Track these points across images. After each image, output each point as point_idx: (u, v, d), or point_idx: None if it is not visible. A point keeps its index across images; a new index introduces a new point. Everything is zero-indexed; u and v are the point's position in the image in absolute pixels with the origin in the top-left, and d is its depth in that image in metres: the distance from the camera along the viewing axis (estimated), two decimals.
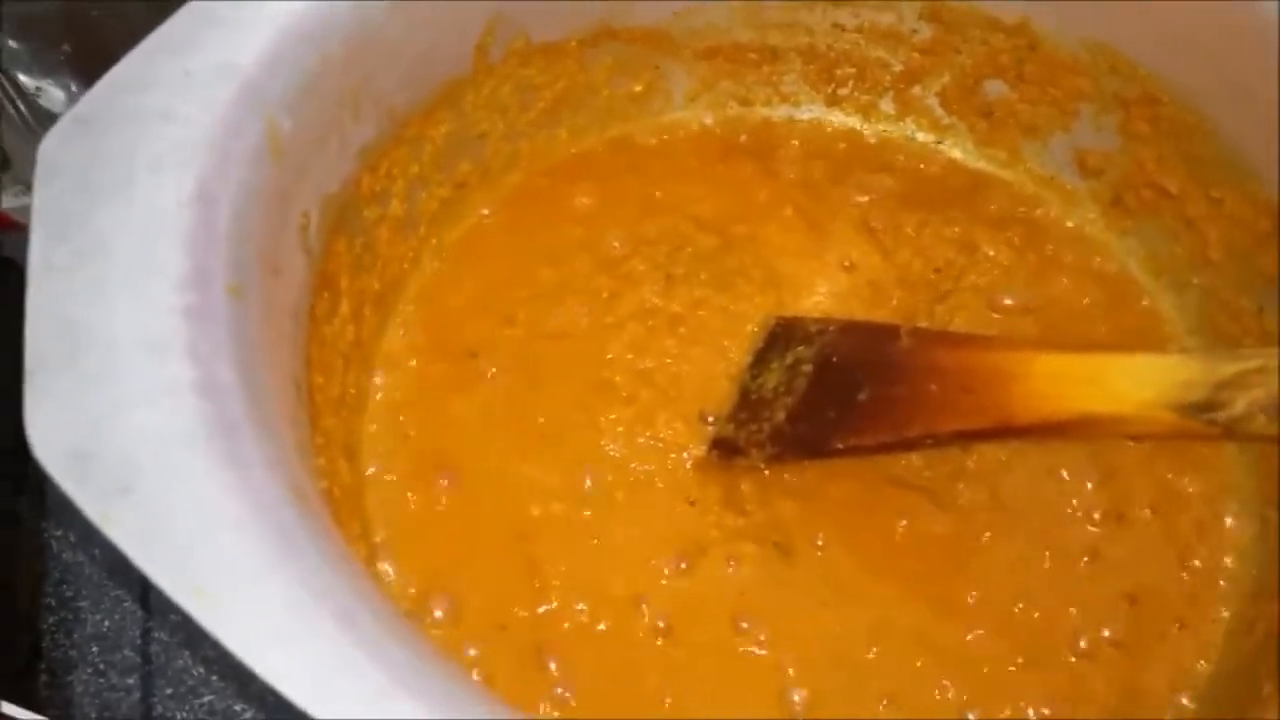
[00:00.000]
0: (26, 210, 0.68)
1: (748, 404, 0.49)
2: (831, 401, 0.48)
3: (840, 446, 0.47)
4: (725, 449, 0.48)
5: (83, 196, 0.33)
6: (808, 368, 0.49)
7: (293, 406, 0.37)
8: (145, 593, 0.48)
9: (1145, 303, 0.54)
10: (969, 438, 0.46)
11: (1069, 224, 0.56)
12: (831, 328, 0.50)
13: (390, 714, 0.27)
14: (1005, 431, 0.44)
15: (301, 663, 0.27)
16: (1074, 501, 0.48)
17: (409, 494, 0.47)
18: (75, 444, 0.29)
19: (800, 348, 0.49)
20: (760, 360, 0.50)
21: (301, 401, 0.39)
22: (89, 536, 0.49)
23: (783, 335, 0.51)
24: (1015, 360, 0.45)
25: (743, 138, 0.59)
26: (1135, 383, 0.42)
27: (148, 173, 0.34)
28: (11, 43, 0.58)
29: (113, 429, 0.30)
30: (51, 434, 0.29)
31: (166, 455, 0.29)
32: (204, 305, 0.32)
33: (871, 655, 0.44)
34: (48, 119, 0.62)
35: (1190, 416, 0.40)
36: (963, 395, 0.45)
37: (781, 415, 0.48)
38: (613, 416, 0.49)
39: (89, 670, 0.47)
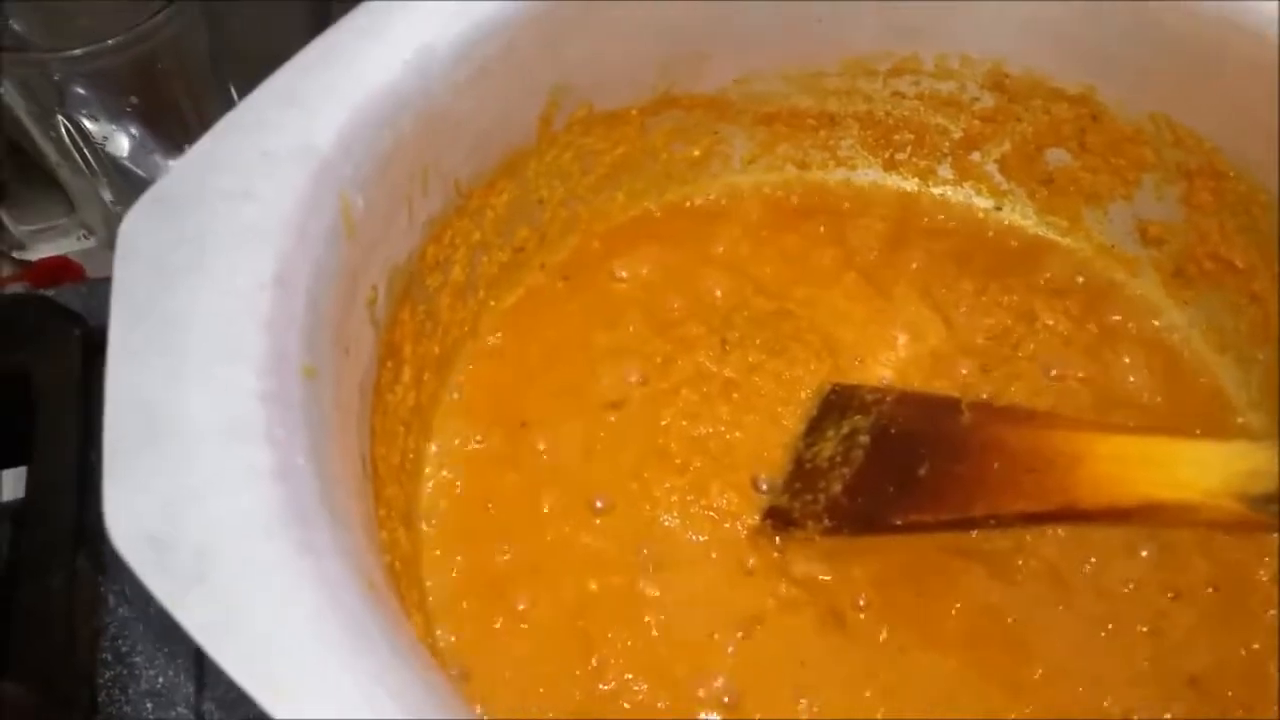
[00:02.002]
0: (88, 254, 0.69)
1: (802, 474, 0.48)
2: (890, 475, 0.47)
3: (899, 523, 0.46)
4: (780, 520, 0.47)
5: (161, 277, 0.33)
6: (865, 438, 0.48)
7: (359, 482, 0.37)
8: (200, 650, 0.48)
9: (1206, 378, 0.53)
10: (1034, 520, 0.45)
11: (1129, 294, 0.56)
12: (889, 397, 0.49)
13: None
14: (1071, 515, 0.43)
15: None
16: (1134, 577, 0.47)
17: (462, 563, 0.46)
18: (152, 530, 0.29)
19: (857, 417, 0.49)
20: (815, 429, 0.50)
21: (367, 474, 0.39)
22: (145, 592, 0.49)
23: (838, 403, 0.50)
24: (1078, 440, 0.43)
25: (799, 201, 0.59)
26: (1200, 470, 0.40)
27: (225, 254, 0.34)
28: (79, 90, 0.59)
29: (190, 515, 0.30)
30: (128, 519, 0.29)
31: (243, 543, 0.29)
32: (280, 389, 0.32)
33: None
34: (112, 166, 0.64)
35: (1258, 508, 0.38)
36: (1026, 475, 0.44)
37: (838, 487, 0.47)
38: (667, 486, 0.48)
39: None
